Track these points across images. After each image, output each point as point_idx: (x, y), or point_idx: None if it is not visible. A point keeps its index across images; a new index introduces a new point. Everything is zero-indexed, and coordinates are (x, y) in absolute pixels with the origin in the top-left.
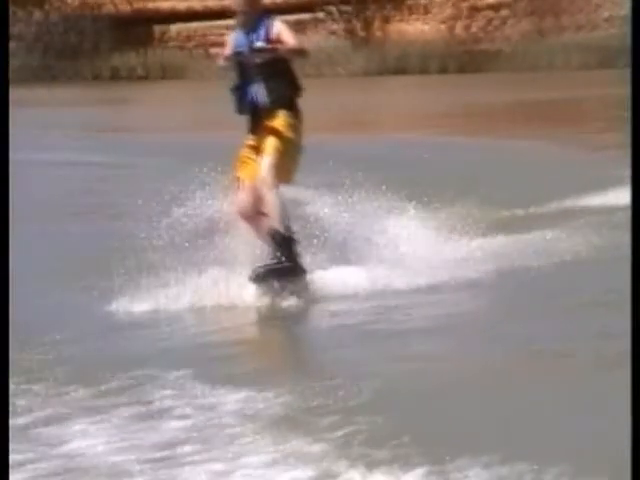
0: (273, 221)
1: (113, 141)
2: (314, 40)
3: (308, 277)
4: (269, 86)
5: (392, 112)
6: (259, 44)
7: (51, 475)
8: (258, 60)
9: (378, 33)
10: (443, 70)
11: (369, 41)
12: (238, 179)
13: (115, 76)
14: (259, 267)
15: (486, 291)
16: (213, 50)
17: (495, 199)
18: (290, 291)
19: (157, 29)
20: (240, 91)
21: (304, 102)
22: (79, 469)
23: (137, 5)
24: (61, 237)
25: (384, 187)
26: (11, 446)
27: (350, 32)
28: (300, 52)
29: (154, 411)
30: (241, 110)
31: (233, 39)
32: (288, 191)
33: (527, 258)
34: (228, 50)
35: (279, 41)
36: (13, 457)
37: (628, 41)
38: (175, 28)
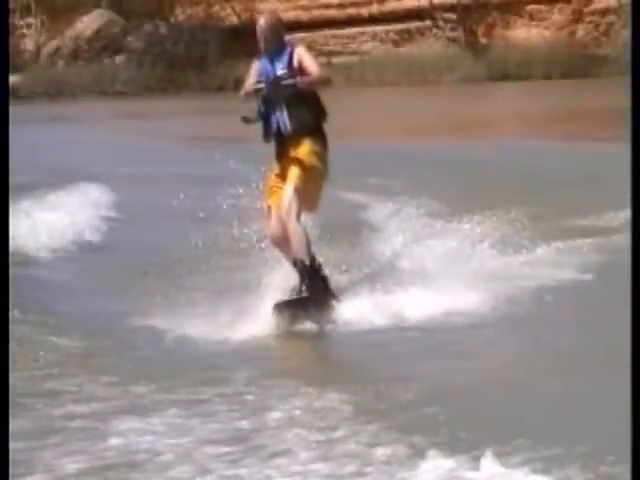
0: (296, 251)
1: (231, 151)
2: (421, 47)
3: (336, 303)
4: (292, 113)
5: (491, 118)
6: (280, 72)
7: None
8: (279, 92)
9: (483, 40)
10: (548, 76)
11: (474, 48)
12: (268, 207)
13: (234, 86)
14: (279, 302)
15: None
16: (335, 59)
17: (569, 205)
18: (310, 319)
19: None
20: (265, 119)
21: (409, 107)
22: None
23: (254, 15)
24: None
25: (451, 195)
26: (72, 436)
27: (455, 39)
28: (322, 81)
29: (213, 409)
30: (266, 138)
31: (257, 66)
32: (355, 196)
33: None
34: (252, 78)
35: (301, 68)
36: (72, 447)
37: None
38: (296, 37)
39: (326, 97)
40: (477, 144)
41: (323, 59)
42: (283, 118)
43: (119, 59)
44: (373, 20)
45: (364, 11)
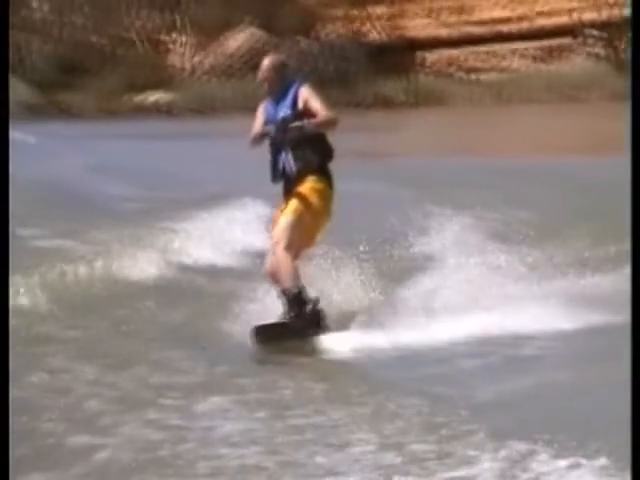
0: (284, 280)
1: (366, 167)
2: (570, 64)
3: (326, 335)
4: (297, 155)
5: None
6: (285, 113)
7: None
8: (286, 135)
9: None
10: None
11: (625, 65)
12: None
13: (377, 103)
14: (258, 325)
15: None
16: (482, 76)
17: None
18: (290, 346)
19: (418, 55)
20: (272, 160)
21: (552, 124)
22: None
23: (398, 32)
24: None
25: (547, 213)
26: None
27: (605, 57)
28: (328, 123)
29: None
30: (274, 179)
31: (263, 109)
32: (438, 210)
33: None
34: (259, 120)
35: (306, 109)
36: (153, 416)
37: None
38: (435, 54)
39: (472, 113)
40: (611, 163)
41: (471, 76)
42: (288, 160)
43: None
44: (521, 37)
45: (512, 28)
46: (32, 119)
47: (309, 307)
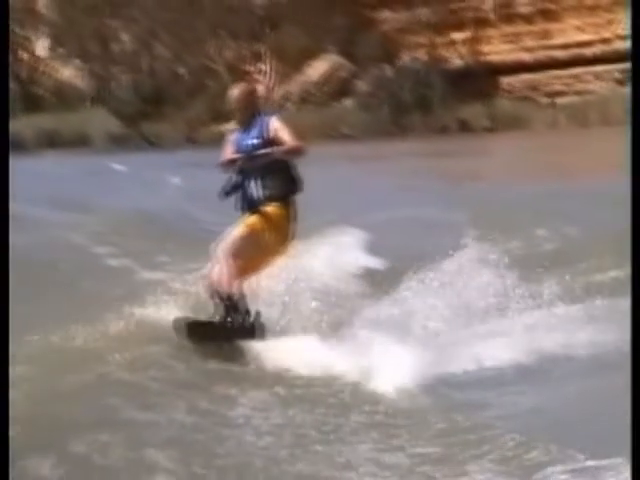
0: (223, 284)
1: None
2: None
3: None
4: (265, 184)
5: None
6: (254, 142)
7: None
8: (254, 162)
9: None
10: None
11: None
12: None
13: (456, 127)
14: (190, 320)
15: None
16: (558, 100)
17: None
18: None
19: (497, 80)
20: (239, 189)
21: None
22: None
23: (478, 57)
24: None
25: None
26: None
27: None
28: (296, 151)
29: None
30: (242, 208)
31: (233, 138)
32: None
33: None
34: (229, 149)
35: (275, 139)
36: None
37: None
38: (515, 78)
39: (551, 137)
40: None
41: (550, 99)
42: (257, 188)
43: (347, 103)
44: (601, 60)
45: (588, 51)
46: (118, 149)
47: (246, 317)
